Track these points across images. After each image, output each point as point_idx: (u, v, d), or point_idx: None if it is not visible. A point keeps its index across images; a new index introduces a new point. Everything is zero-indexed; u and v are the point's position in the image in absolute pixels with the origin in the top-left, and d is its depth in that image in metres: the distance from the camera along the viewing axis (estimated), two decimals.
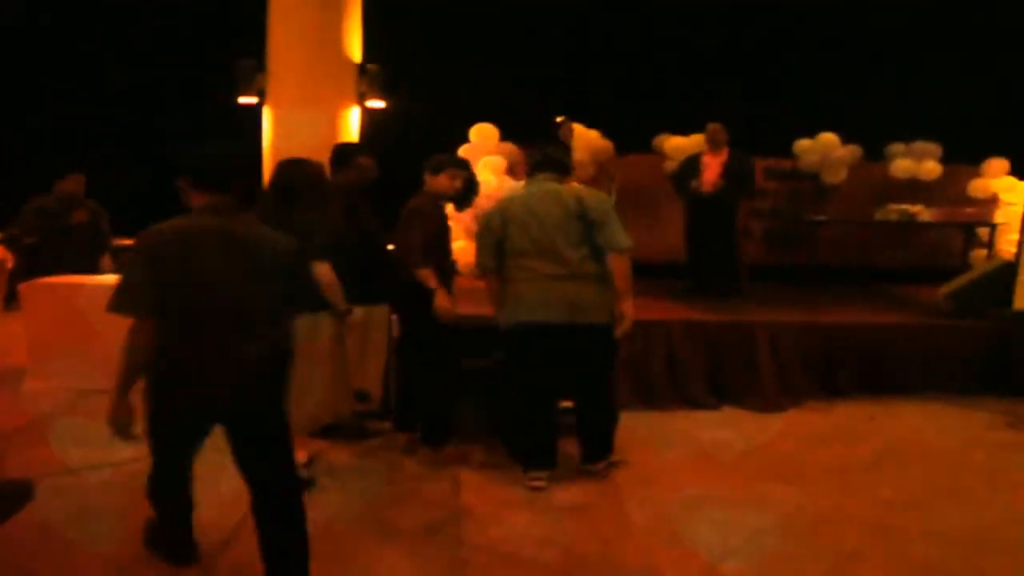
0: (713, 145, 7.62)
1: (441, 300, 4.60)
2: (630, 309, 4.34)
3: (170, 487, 3.21)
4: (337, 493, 4.19)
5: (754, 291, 7.77)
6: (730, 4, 9.74)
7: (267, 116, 7.83)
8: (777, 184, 9.27)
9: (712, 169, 7.61)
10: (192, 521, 3.34)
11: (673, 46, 9.85)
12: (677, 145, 8.86)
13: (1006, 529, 4.02)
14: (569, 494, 4.29)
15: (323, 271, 3.98)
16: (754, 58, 9.89)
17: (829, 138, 9.15)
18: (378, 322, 5.00)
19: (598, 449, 4.60)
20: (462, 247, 7.77)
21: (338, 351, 4.28)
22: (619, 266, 4.34)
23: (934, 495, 4.42)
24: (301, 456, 4.11)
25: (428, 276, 4.59)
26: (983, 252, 8.99)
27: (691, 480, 4.54)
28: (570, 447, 4.66)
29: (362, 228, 4.70)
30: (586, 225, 4.28)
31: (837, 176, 9.19)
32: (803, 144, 9.25)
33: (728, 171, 7.53)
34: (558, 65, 9.50)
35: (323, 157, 7.61)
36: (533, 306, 4.29)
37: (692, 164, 7.75)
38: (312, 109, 7.73)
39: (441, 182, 4.80)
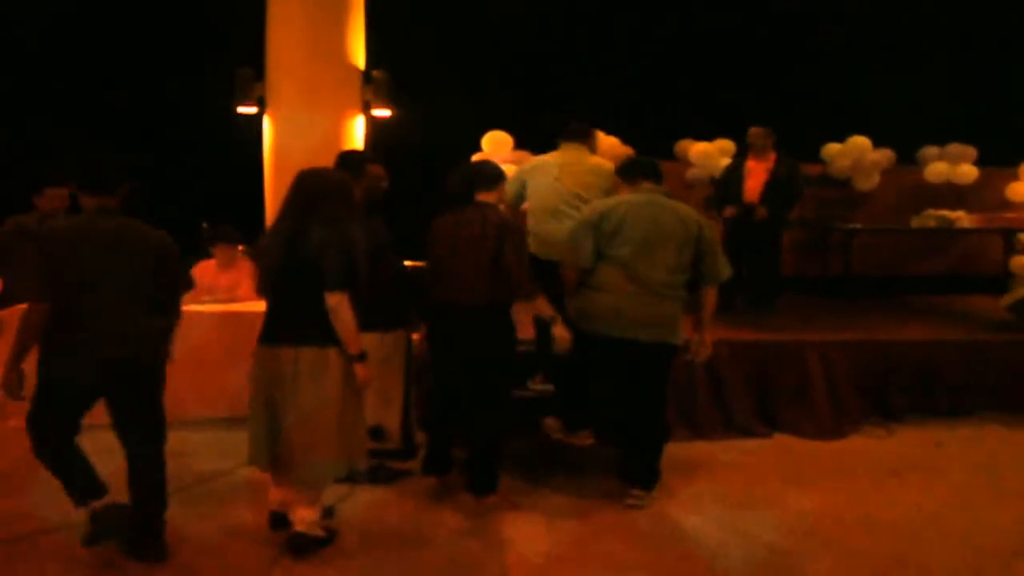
0: (757, 151, 7.10)
1: (561, 331, 4.14)
2: (711, 338, 4.44)
3: (54, 443, 3.45)
4: (364, 557, 3.60)
5: (787, 305, 7.30)
6: (751, 5, 9.29)
7: (267, 125, 7.35)
8: (807, 191, 8.76)
9: (757, 176, 7.08)
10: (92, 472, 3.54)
11: (692, 49, 9.40)
12: (702, 151, 8.38)
13: None
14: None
15: (335, 303, 3.36)
16: (777, 60, 9.44)
17: (860, 142, 8.67)
18: (394, 349, 4.42)
19: (648, 475, 4.29)
20: None
21: (349, 393, 3.52)
22: (711, 296, 4.38)
23: None
24: (310, 513, 3.55)
25: (544, 305, 4.15)
26: (1023, 259, 8.50)
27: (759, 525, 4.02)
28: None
29: (375, 244, 4.17)
30: (698, 251, 4.24)
31: (870, 181, 8.71)
32: (833, 148, 8.77)
33: (775, 178, 7.01)
34: (574, 70, 9.04)
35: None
36: (611, 320, 4.16)
37: (735, 171, 7.22)
38: (314, 118, 7.25)
39: (498, 195, 4.31)
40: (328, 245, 3.34)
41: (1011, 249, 8.63)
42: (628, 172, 4.51)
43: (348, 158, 4.46)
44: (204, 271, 5.88)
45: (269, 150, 7.36)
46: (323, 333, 3.38)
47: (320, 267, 3.32)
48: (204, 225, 6.45)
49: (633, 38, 9.26)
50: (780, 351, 5.80)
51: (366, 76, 7.52)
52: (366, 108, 7.58)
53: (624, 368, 4.25)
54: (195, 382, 5.07)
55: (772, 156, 7.06)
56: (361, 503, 4.13)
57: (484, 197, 4.16)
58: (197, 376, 5.07)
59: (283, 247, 3.43)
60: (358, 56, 7.52)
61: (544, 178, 5.04)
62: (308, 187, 3.52)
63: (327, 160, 7.14)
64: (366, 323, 3.55)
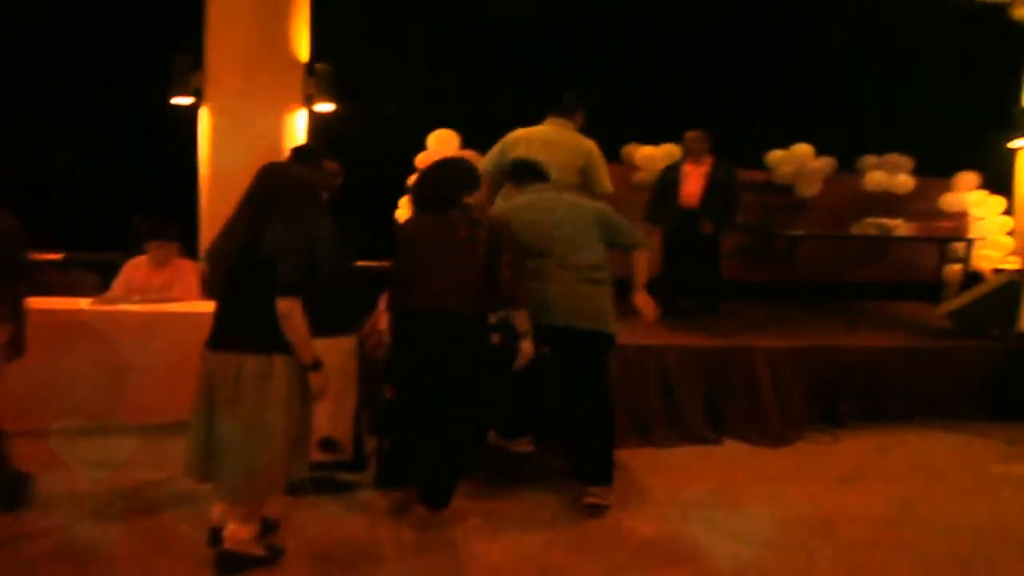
0: (694, 155, 7.12)
1: (528, 346, 3.96)
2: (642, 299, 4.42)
3: None
4: None
5: (733, 310, 7.33)
6: (696, 13, 9.29)
7: (204, 118, 7.06)
8: (750, 197, 8.79)
9: (694, 180, 7.10)
10: None
11: (639, 54, 9.36)
12: (649, 155, 8.36)
13: None
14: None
15: (286, 309, 3.09)
16: (722, 67, 9.46)
17: (803, 149, 8.76)
18: (344, 356, 4.22)
19: (601, 470, 4.22)
20: None
21: (295, 405, 3.23)
22: (641, 260, 4.39)
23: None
24: (242, 530, 3.30)
25: (524, 318, 3.96)
26: (957, 267, 8.71)
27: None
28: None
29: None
30: (606, 230, 4.28)
31: (812, 189, 8.80)
32: (777, 155, 8.84)
33: (712, 182, 7.04)
34: (521, 71, 8.90)
35: (262, 163, 7.02)
36: (544, 308, 4.09)
37: (671, 175, 7.23)
38: (253, 111, 7.01)
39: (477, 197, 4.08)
40: (284, 246, 3.10)
41: (946, 258, 8.83)
42: (516, 176, 4.50)
43: (303, 152, 4.26)
44: (135, 269, 5.54)
45: (205, 143, 7.08)
46: (270, 339, 3.12)
47: (274, 269, 3.09)
48: (136, 220, 6.13)
49: (580, 39, 9.18)
50: (729, 357, 5.76)
51: (309, 69, 7.29)
52: (308, 102, 7.35)
53: (563, 359, 4.18)
54: (125, 388, 4.80)
55: (708, 160, 7.08)
56: (310, 518, 3.92)
57: (468, 199, 3.93)
58: (127, 381, 4.80)
59: (237, 246, 3.17)
60: (301, 48, 7.28)
61: (526, 152, 4.93)
62: (269, 182, 3.27)
63: (266, 155, 6.98)
64: (319, 328, 3.31)
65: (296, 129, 7.32)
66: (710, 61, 9.37)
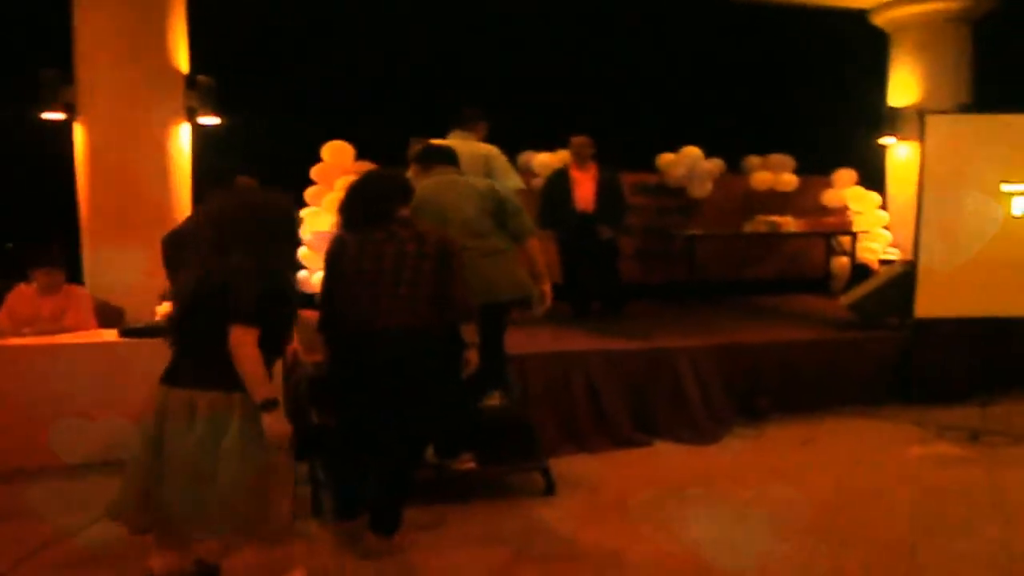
0: (580, 160, 7.16)
1: (474, 356, 3.78)
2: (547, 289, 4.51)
3: None
4: None
5: (641, 312, 7.39)
6: (581, 18, 9.36)
7: (79, 134, 6.55)
8: (645, 199, 8.93)
9: (585, 186, 7.15)
10: None
11: (529, 61, 9.35)
12: (545, 162, 8.31)
13: None
14: None
15: (237, 340, 2.74)
16: (610, 74, 9.57)
17: (693, 151, 8.92)
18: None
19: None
20: None
21: (253, 447, 2.79)
22: (532, 251, 4.51)
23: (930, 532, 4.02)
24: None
25: (473, 331, 3.78)
26: (844, 260, 9.07)
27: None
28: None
29: None
30: (499, 212, 4.39)
31: (703, 190, 8.98)
32: (667, 158, 8.97)
33: (602, 185, 7.11)
34: (416, 80, 8.73)
35: (146, 180, 6.57)
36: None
37: (561, 181, 7.23)
38: (132, 125, 6.56)
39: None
40: (242, 273, 2.78)
41: (832, 251, 9.19)
42: (422, 159, 4.56)
43: (217, 172, 3.95)
44: (20, 299, 5.02)
45: (82, 160, 6.57)
46: (227, 375, 2.77)
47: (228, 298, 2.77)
48: (8, 246, 5.59)
49: (473, 46, 9.07)
50: (652, 359, 5.76)
51: (190, 81, 6.89)
52: (191, 115, 6.94)
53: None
54: (24, 427, 4.35)
55: (594, 165, 7.15)
56: (247, 556, 3.60)
57: (406, 211, 3.73)
58: (25, 419, 4.34)
59: (197, 274, 2.87)
60: (180, 59, 6.87)
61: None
62: (235, 205, 2.97)
63: (148, 173, 6.57)
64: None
65: (180, 144, 6.90)
66: (598, 68, 9.47)
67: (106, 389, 4.64)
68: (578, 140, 7.21)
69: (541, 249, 4.60)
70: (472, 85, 8.77)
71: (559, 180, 7.26)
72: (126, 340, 4.96)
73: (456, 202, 4.30)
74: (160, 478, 2.80)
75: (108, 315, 5.50)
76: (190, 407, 2.79)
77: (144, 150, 6.61)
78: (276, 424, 2.80)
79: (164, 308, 5.52)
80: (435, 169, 4.47)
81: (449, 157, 4.55)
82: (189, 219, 3.84)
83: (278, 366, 3.70)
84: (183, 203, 6.91)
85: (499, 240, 4.36)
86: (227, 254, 2.83)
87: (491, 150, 5.33)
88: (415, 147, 5.55)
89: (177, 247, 3.44)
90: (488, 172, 5.20)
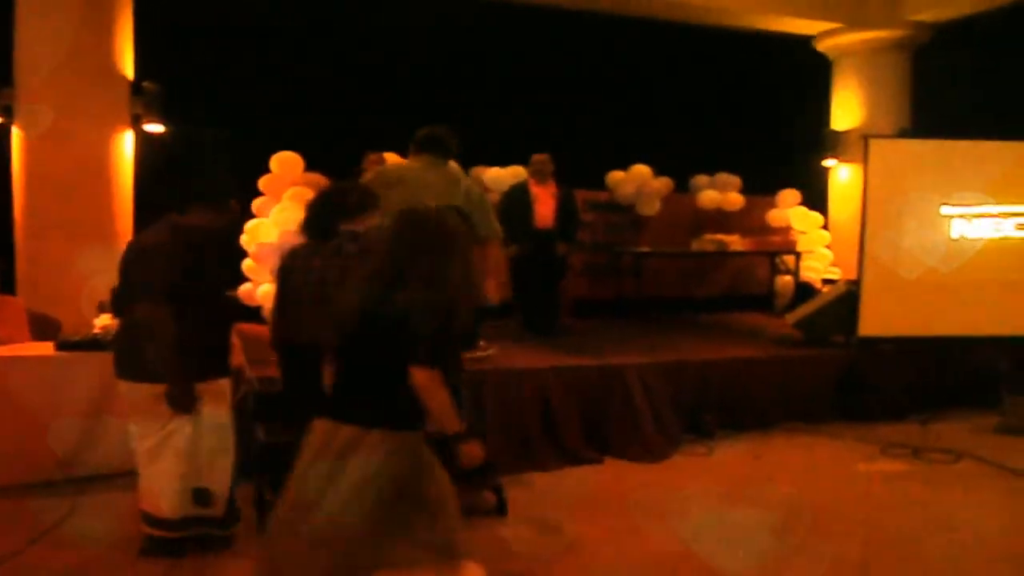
0: (541, 176, 7.19)
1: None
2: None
3: None
4: None
5: (590, 328, 7.41)
6: (532, 37, 9.39)
7: (17, 139, 6.33)
8: (595, 216, 8.98)
9: (545, 202, 7.17)
10: None
11: (482, 77, 9.35)
12: (497, 176, 8.31)
13: None
14: None
15: (426, 381, 2.59)
16: (562, 92, 9.62)
17: (642, 170, 9.01)
18: (220, 401, 3.81)
19: None
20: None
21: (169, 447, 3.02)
22: (491, 251, 4.97)
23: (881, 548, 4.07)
24: None
25: None
26: (787, 279, 9.22)
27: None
28: None
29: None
30: (466, 206, 4.68)
31: (652, 207, 9.06)
32: (617, 176, 9.05)
33: (562, 203, 7.16)
34: (367, 92, 8.64)
35: (86, 188, 6.37)
36: None
37: (522, 196, 7.22)
38: (73, 131, 6.36)
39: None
40: (420, 307, 2.60)
41: (776, 270, 9.34)
42: (421, 144, 4.92)
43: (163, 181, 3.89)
44: None
45: (19, 167, 6.35)
46: (391, 413, 2.64)
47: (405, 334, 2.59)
48: None
49: (426, 60, 9.03)
50: (602, 376, 5.76)
51: (136, 87, 6.72)
52: (136, 122, 6.77)
53: None
54: None
55: (552, 182, 7.18)
56: None
57: (353, 225, 3.69)
58: None
59: (363, 305, 2.69)
60: (126, 65, 6.70)
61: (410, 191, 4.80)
62: (412, 233, 2.71)
63: (91, 180, 6.38)
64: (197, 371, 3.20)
65: (124, 151, 6.73)
66: (551, 86, 9.51)
67: (40, 404, 4.47)
68: (539, 157, 7.23)
69: (500, 254, 5.10)
70: (424, 99, 8.75)
71: (519, 196, 7.23)
72: (62, 354, 4.79)
73: (429, 186, 4.60)
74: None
75: (44, 327, 5.30)
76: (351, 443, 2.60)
77: (85, 157, 6.42)
78: (472, 452, 2.77)
79: (103, 320, 5.35)
80: (425, 155, 4.81)
81: (441, 148, 4.89)
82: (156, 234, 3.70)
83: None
84: (125, 212, 6.72)
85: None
86: (403, 287, 2.64)
87: (470, 184, 5.42)
88: (371, 157, 5.61)
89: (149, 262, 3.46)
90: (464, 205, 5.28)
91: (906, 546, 4.03)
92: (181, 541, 3.62)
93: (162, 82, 6.78)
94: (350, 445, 2.58)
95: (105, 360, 4.75)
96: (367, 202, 3.80)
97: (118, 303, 3.80)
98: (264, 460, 4.13)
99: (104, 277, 5.95)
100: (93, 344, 4.93)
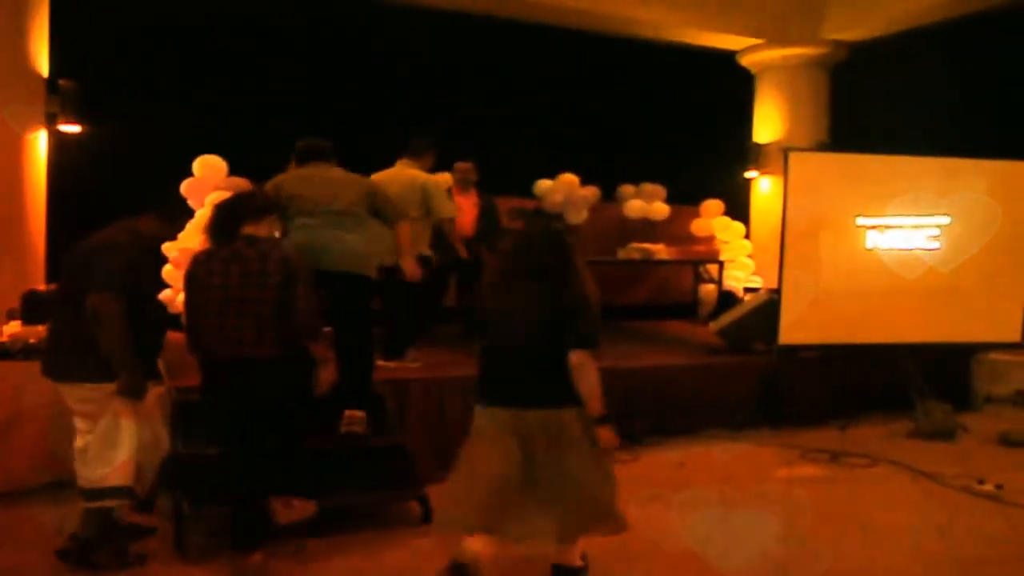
0: (465, 185, 7.17)
1: (328, 375, 3.88)
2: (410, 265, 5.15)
3: None
4: None
5: None
6: (463, 46, 9.38)
7: None
8: (522, 224, 8.98)
9: (468, 211, 7.15)
10: None
11: (410, 85, 9.31)
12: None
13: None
14: None
15: (585, 362, 3.20)
16: (490, 101, 9.64)
17: (570, 178, 9.07)
18: (157, 403, 3.90)
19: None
20: None
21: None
22: (400, 232, 5.03)
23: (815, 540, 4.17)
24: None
25: (321, 349, 3.87)
26: (711, 287, 9.39)
27: None
28: None
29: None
30: (372, 205, 4.82)
31: (579, 216, 9.13)
32: (545, 184, 9.08)
33: (484, 211, 7.15)
34: (292, 96, 8.51)
35: (1, 188, 6.11)
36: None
37: None
38: None
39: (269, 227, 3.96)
40: (584, 300, 3.28)
41: (700, 278, 9.51)
42: (299, 156, 4.88)
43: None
44: None
45: None
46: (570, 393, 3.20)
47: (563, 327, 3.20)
48: None
49: (350, 65, 8.94)
50: None
51: (51, 85, 6.48)
52: (51, 122, 6.53)
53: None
54: None
55: (475, 191, 7.19)
56: None
57: (253, 230, 3.71)
58: None
59: (535, 305, 3.26)
60: (41, 62, 6.46)
61: None
62: (556, 246, 3.44)
63: (3, 181, 6.12)
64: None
65: (37, 152, 6.48)
66: (480, 95, 9.53)
67: None
68: (463, 166, 7.18)
69: (408, 233, 5.08)
70: (350, 105, 8.67)
71: None
72: None
73: (329, 183, 4.69)
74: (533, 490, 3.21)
75: None
76: (545, 425, 3.20)
77: None
78: (611, 434, 3.26)
79: (12, 327, 5.14)
80: (310, 164, 4.79)
81: (323, 153, 4.88)
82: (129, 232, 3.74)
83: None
84: (37, 214, 6.48)
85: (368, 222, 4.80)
86: (567, 286, 3.28)
87: (428, 179, 5.73)
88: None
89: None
90: (424, 199, 5.68)
91: (823, 550, 4.12)
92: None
93: (79, 80, 6.55)
94: (549, 424, 3.20)
95: (12, 369, 4.61)
96: (269, 206, 3.89)
97: (54, 304, 3.79)
98: (182, 472, 4.02)
99: (13, 283, 5.77)
100: (1, 353, 4.74)
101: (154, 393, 3.74)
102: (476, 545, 3.35)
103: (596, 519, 3.29)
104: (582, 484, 3.20)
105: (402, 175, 5.79)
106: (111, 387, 3.49)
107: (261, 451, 3.68)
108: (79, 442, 3.57)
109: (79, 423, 3.59)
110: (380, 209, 4.87)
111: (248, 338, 3.55)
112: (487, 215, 7.19)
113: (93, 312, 3.39)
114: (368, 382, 4.81)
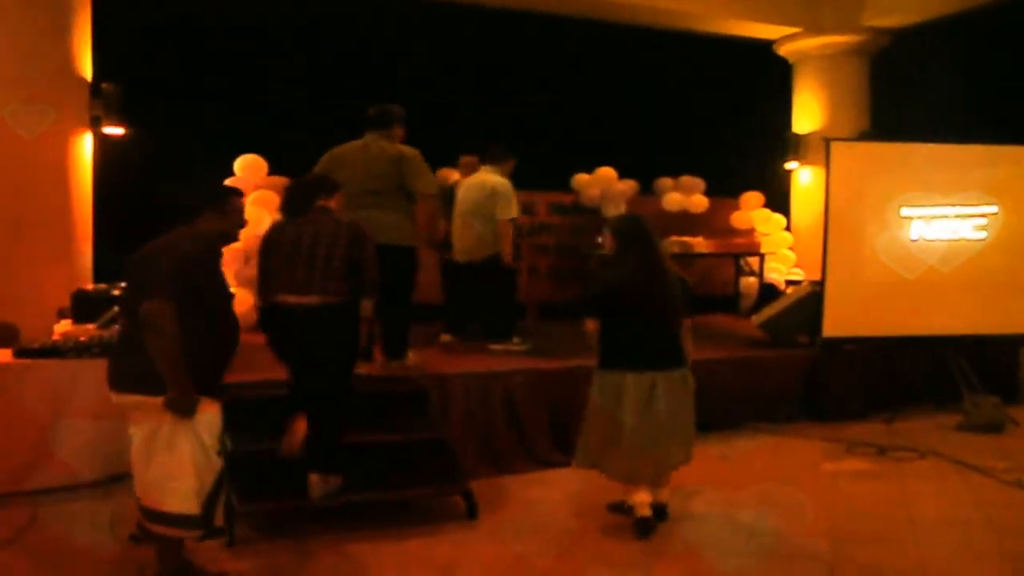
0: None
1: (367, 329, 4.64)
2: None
3: None
4: None
5: (557, 331, 7.39)
6: (500, 39, 9.39)
7: None
8: (560, 219, 9.01)
9: None
10: None
11: (450, 79, 9.33)
12: (444, 177, 8.27)
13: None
14: None
15: (688, 328, 4.37)
16: (528, 94, 9.63)
17: (607, 172, 9.06)
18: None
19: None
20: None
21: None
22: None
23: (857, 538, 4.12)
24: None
25: (369, 306, 4.40)
26: (752, 280, 9.31)
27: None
28: None
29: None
30: (399, 171, 5.31)
31: (617, 210, 9.04)
32: (583, 178, 9.08)
33: None
34: (333, 95, 8.57)
35: (44, 191, 6.22)
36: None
37: (448, 197, 7.14)
38: None
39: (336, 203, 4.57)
40: (679, 277, 4.31)
41: (741, 271, 9.43)
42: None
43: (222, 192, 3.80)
44: None
45: None
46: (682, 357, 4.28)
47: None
48: None
49: (388, 63, 8.98)
50: (571, 378, 5.73)
51: (95, 89, 6.59)
52: (95, 124, 6.65)
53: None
54: None
55: None
56: None
57: (324, 203, 4.38)
58: None
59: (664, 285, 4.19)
60: (84, 66, 6.57)
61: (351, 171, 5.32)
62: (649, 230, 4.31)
63: (48, 184, 6.23)
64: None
65: (83, 154, 6.60)
66: (519, 89, 9.53)
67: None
68: (468, 160, 7.22)
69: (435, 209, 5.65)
70: (389, 102, 8.69)
71: (446, 197, 7.12)
72: (20, 361, 4.69)
73: (371, 159, 5.29)
74: (650, 438, 4.07)
75: (1, 334, 5.17)
76: (652, 385, 4.09)
77: (43, 159, 6.25)
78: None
79: (63, 326, 5.24)
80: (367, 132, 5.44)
81: (376, 121, 5.46)
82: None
83: None
84: (84, 216, 6.59)
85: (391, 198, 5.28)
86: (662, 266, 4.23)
87: (404, 152, 5.45)
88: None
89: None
90: (402, 173, 5.41)
91: (873, 544, 4.07)
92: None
93: (122, 83, 6.66)
94: (668, 381, 4.14)
95: (64, 367, 4.71)
96: (339, 185, 4.56)
97: (124, 308, 3.63)
98: (231, 469, 4.06)
99: (64, 282, 5.88)
100: (53, 351, 4.83)
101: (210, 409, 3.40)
102: (642, 496, 4.13)
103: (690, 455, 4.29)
104: (691, 424, 4.27)
105: (378, 148, 5.47)
106: (160, 400, 3.22)
107: (325, 384, 4.20)
108: (132, 454, 3.36)
109: (132, 432, 3.38)
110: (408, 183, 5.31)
111: (316, 287, 4.11)
112: None
113: (143, 319, 3.18)
114: (405, 341, 5.46)
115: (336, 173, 4.98)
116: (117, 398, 3.35)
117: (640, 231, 4.27)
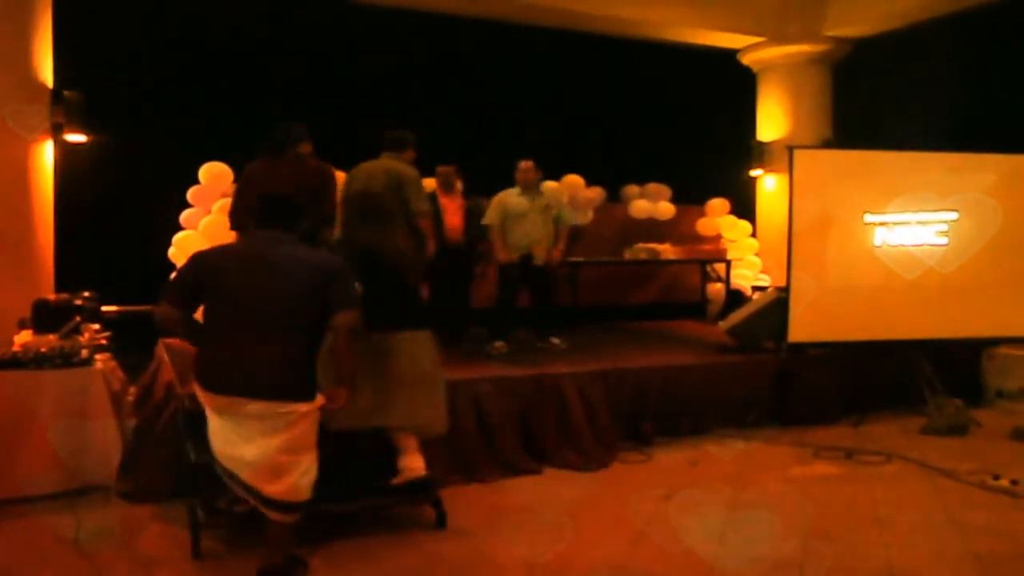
0: (448, 188, 7.23)
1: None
2: None
3: None
4: None
5: (526, 337, 7.41)
6: (468, 47, 9.39)
7: None
8: None
9: (453, 213, 7.18)
10: None
11: (416, 87, 9.30)
12: (427, 186, 8.26)
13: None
14: None
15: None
16: (494, 103, 9.64)
17: (574, 180, 9.09)
18: None
19: None
20: None
21: None
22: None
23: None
24: None
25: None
26: (719, 286, 9.38)
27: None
28: None
29: None
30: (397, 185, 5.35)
31: (584, 217, 9.14)
32: (550, 186, 9.06)
33: (470, 214, 7.24)
34: (297, 102, 8.49)
35: (6, 198, 6.11)
36: None
37: (433, 209, 7.19)
38: None
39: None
40: None
41: (708, 278, 9.50)
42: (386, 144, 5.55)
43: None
44: None
45: None
46: None
47: None
48: None
49: (351, 70, 8.94)
50: (540, 385, 5.74)
51: (56, 96, 6.49)
52: (57, 132, 6.54)
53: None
54: None
55: (459, 193, 7.26)
56: None
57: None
58: None
59: None
60: (45, 72, 6.47)
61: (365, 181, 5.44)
62: None
63: (10, 192, 6.12)
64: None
65: (44, 162, 6.49)
66: (483, 98, 9.52)
67: None
68: (445, 169, 7.28)
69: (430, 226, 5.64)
70: (354, 109, 8.66)
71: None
72: None
73: (376, 176, 5.34)
74: None
75: None
76: None
77: (3, 166, 6.14)
78: None
79: (23, 336, 5.13)
80: (382, 155, 5.50)
81: (394, 144, 5.53)
82: None
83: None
84: (46, 224, 6.47)
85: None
86: None
87: (403, 171, 5.44)
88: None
89: None
90: (400, 190, 5.40)
91: (842, 548, 4.10)
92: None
93: (84, 90, 6.56)
94: None
95: (25, 378, 4.61)
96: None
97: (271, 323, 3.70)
98: (196, 480, 4.01)
99: (24, 292, 5.76)
100: (13, 363, 4.74)
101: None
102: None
103: None
104: None
105: (386, 165, 5.55)
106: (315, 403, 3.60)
107: None
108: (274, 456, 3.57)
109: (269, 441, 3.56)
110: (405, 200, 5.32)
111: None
112: (472, 216, 7.24)
113: (353, 328, 3.59)
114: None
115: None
116: (285, 408, 3.44)
117: None
